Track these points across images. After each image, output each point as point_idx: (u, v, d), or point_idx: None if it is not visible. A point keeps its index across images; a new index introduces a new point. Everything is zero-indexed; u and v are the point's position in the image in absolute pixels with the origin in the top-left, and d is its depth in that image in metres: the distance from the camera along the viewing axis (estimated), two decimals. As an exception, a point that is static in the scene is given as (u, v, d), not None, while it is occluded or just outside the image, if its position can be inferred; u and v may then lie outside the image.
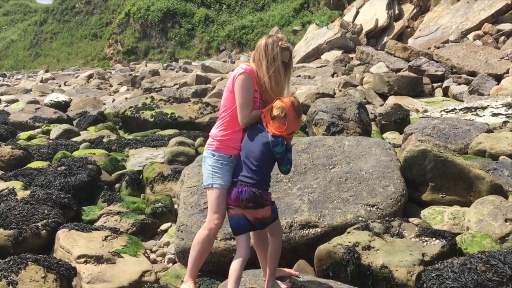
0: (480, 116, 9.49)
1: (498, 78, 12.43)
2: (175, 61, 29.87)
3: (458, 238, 3.76)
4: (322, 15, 24.43)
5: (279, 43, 3.16)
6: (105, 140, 8.84)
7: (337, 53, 17.86)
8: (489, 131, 7.62)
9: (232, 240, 3.84)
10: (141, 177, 6.67)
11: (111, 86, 20.66)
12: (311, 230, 3.91)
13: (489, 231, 3.82)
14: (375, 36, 19.25)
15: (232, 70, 3.21)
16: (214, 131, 3.31)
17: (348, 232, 3.73)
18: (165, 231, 5.20)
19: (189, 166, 4.92)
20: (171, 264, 4.47)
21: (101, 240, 4.35)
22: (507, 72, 12.55)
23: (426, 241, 3.55)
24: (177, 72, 21.74)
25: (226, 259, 3.81)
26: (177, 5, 34.88)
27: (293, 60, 3.38)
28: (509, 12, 15.81)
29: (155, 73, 20.36)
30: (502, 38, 14.88)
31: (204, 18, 33.29)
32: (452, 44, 15.30)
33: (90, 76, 23.92)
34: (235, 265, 3.13)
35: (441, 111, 10.44)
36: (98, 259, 4.01)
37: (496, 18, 15.92)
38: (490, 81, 12.20)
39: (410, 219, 4.00)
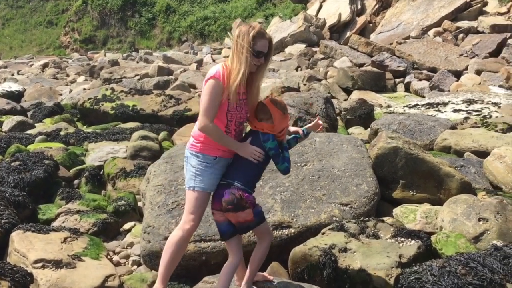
0: (442, 112, 9.63)
1: (458, 74, 12.72)
2: (135, 51, 29.09)
3: (433, 238, 3.71)
4: (285, 8, 24.35)
5: (252, 32, 2.95)
6: (62, 133, 8.40)
7: (300, 47, 17.82)
8: (453, 127, 7.72)
9: (203, 242, 3.66)
10: (102, 172, 6.36)
11: (68, 76, 19.87)
12: (284, 230, 3.78)
13: (463, 231, 3.80)
14: (338, 30, 19.35)
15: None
16: (196, 131, 3.10)
17: (323, 233, 3.62)
18: (129, 230, 4.95)
19: (155, 163, 4.69)
20: (135, 267, 4.24)
21: (59, 242, 4.07)
22: (466, 68, 12.86)
23: (402, 242, 3.48)
24: (137, 62, 21.15)
25: (195, 262, 3.63)
26: (137, -7, 33.96)
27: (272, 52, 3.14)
28: (468, 10, 16.21)
29: (114, 63, 19.73)
30: (461, 35, 15.23)
31: (165, 8, 32.56)
32: (414, 40, 15.54)
33: (45, 65, 22.92)
34: (225, 269, 3.01)
35: (404, 106, 10.55)
36: (57, 264, 3.74)
37: (455, 15, 16.28)
38: (450, 77, 12.46)
39: (384, 218, 3.93)
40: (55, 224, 4.83)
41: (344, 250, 3.33)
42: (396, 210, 4.44)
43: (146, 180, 4.50)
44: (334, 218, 3.88)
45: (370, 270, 3.17)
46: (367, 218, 3.81)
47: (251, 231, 3.17)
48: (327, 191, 4.16)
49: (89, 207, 5.33)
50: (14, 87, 14.59)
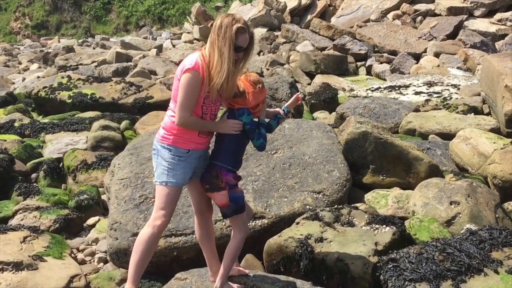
0: (404, 95, 9.75)
1: (417, 57, 12.93)
2: (91, 36, 28.13)
3: (406, 223, 3.70)
4: (245, -9, 23.99)
5: (235, 25, 2.78)
6: (16, 124, 7.97)
7: (262, 31, 17.63)
8: (417, 110, 7.81)
9: (174, 237, 3.51)
10: (61, 165, 6.06)
11: (20, 63, 18.97)
12: (257, 221, 3.67)
13: (435, 215, 3.80)
14: (299, 14, 19.24)
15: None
16: (168, 122, 2.94)
17: (298, 223, 3.54)
18: (93, 226, 4.72)
19: (119, 155, 4.47)
20: (102, 264, 4.04)
21: (19, 242, 3.82)
22: (425, 51, 13.08)
23: (376, 228, 3.44)
24: (94, 48, 20.43)
25: (166, 258, 3.49)
26: (91, -23, 32.68)
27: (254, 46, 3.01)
28: (425, -7, 16.39)
29: (69, 49, 18.98)
30: (419, 18, 15.43)
31: (121, -9, 31.51)
32: (374, 24, 15.64)
33: (-5, 52, 21.81)
34: (228, 249, 2.97)
35: (366, 89, 10.62)
36: (17, 266, 3.50)
37: (413, -2, 16.45)
38: (410, 60, 12.65)
39: (358, 205, 3.89)
40: (13, 222, 4.54)
41: (320, 240, 3.26)
42: (368, 196, 4.41)
43: (110, 174, 4.29)
44: (307, 206, 3.81)
45: (347, 259, 3.11)
46: (341, 206, 3.75)
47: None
48: (299, 179, 4.08)
49: (49, 203, 5.06)
50: (-38, 76, 13.79)
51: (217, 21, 2.85)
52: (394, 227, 3.46)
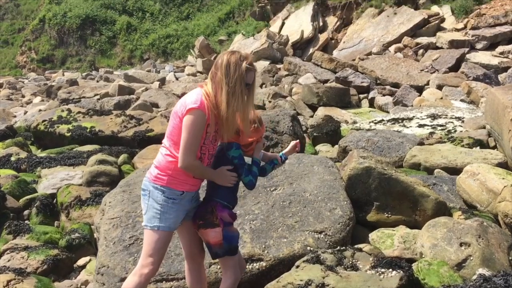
0: (408, 127, 9.61)
1: (420, 89, 12.88)
2: (95, 70, 28.39)
3: (414, 267, 3.46)
4: (248, 25, 24.28)
5: (244, 63, 2.65)
6: (13, 158, 7.83)
7: (264, 64, 17.72)
8: (421, 143, 7.63)
9: (164, 282, 3.28)
10: (55, 201, 5.87)
11: (23, 96, 19.04)
12: (255, 264, 3.45)
13: (444, 257, 3.56)
14: (301, 47, 19.40)
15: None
16: (163, 162, 2.75)
17: (297, 266, 3.31)
18: (83, 266, 4.50)
19: (111, 192, 4.28)
20: (90, 309, 3.81)
21: (2, 287, 3.60)
22: (428, 83, 13.03)
23: (382, 273, 3.21)
24: (97, 81, 20.55)
25: (157, 305, 3.25)
26: (96, 12, 33.24)
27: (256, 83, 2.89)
28: (426, 26, 16.51)
29: (73, 82, 19.08)
30: (421, 51, 15.48)
31: (126, 26, 31.98)
32: (375, 56, 15.69)
33: (-1, 86, 21.96)
34: None
35: (369, 122, 10.49)
36: (-2, 313, 3.28)
37: (414, 31, 16.57)
38: (412, 92, 12.58)
39: (361, 246, 3.66)
40: (0, 263, 4.33)
41: (322, 286, 3.03)
42: (373, 235, 4.18)
43: (101, 212, 4.09)
44: (308, 248, 3.58)
45: (350, 308, 2.88)
46: (343, 248, 3.52)
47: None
48: (300, 217, 3.87)
49: (39, 241, 4.85)
50: (-37, 109, 13.79)
51: (223, 59, 2.69)
52: (401, 271, 3.22)
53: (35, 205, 5.68)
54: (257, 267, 3.43)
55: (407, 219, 4.50)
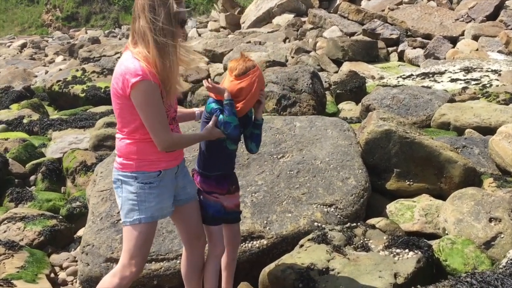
0: (438, 82, 8.97)
1: (454, 40, 12.10)
2: (118, 27, 28.02)
3: (435, 246, 3.06)
4: (273, -24, 23.19)
5: None
6: (25, 121, 7.66)
7: (289, 17, 16.94)
8: (452, 100, 7.04)
9: (154, 263, 2.98)
10: (61, 166, 5.66)
11: (46, 56, 18.93)
12: (255, 242, 3.11)
13: (471, 235, 3.14)
14: (328, -2, 18.41)
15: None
16: (123, 148, 2.32)
17: (301, 246, 2.96)
18: (84, 237, 4.27)
19: (104, 161, 3.97)
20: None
21: (-10, 262, 3.41)
22: (463, 34, 12.21)
23: (397, 254, 2.82)
24: (120, 39, 20.23)
25: None
26: (119, -34, 32.52)
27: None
28: (463, -28, 15.31)
29: (95, 40, 18.82)
30: (456, -2, 14.44)
31: (149, -20, 31.22)
32: (406, 6, 14.78)
33: (23, 45, 21.92)
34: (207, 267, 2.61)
35: (397, 77, 9.87)
36: (-19, 292, 3.09)
37: (450, -23, 15.40)
38: (445, 44, 11.85)
39: (376, 221, 3.27)
40: (-3, 234, 4.15)
41: (325, 271, 2.67)
42: (390, 207, 3.78)
43: (92, 183, 3.80)
44: (315, 223, 3.22)
45: (357, 297, 2.53)
46: (354, 224, 3.13)
47: None
48: (308, 189, 3.48)
49: (41, 209, 4.66)
50: (-14, 70, 13.74)
51: (141, 2, 2.17)
52: (419, 252, 2.83)
53: (40, 171, 5.48)
54: (257, 245, 3.09)
55: (431, 187, 4.07)
